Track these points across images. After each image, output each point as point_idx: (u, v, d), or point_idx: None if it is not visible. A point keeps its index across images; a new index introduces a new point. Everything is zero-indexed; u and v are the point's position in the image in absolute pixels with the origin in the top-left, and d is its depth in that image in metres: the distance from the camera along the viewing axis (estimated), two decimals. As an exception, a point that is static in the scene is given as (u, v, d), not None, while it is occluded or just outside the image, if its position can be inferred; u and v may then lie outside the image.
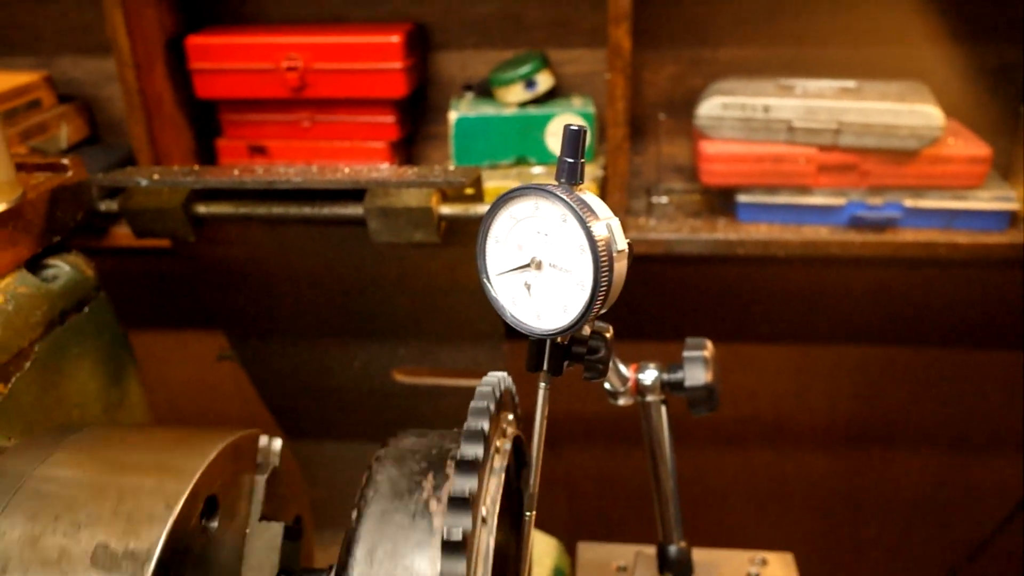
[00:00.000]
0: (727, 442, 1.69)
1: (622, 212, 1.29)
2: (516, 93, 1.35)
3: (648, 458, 0.83)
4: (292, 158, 1.45)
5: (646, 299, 1.53)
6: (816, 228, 1.28)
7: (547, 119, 1.34)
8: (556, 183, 0.52)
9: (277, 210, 0.91)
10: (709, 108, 1.25)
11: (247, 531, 0.66)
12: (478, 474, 0.53)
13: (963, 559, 1.58)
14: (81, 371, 0.86)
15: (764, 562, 0.99)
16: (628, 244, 0.53)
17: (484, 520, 0.54)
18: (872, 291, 1.47)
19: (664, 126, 1.43)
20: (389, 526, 0.56)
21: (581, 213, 0.50)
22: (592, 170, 1.34)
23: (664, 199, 1.36)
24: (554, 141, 1.36)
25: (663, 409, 0.80)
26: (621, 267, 0.52)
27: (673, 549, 0.82)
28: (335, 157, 1.43)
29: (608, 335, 0.56)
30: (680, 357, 0.80)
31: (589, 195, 0.52)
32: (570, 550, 1.08)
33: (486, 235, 0.54)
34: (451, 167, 0.91)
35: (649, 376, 0.78)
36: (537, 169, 1.36)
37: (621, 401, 0.79)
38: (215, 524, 0.60)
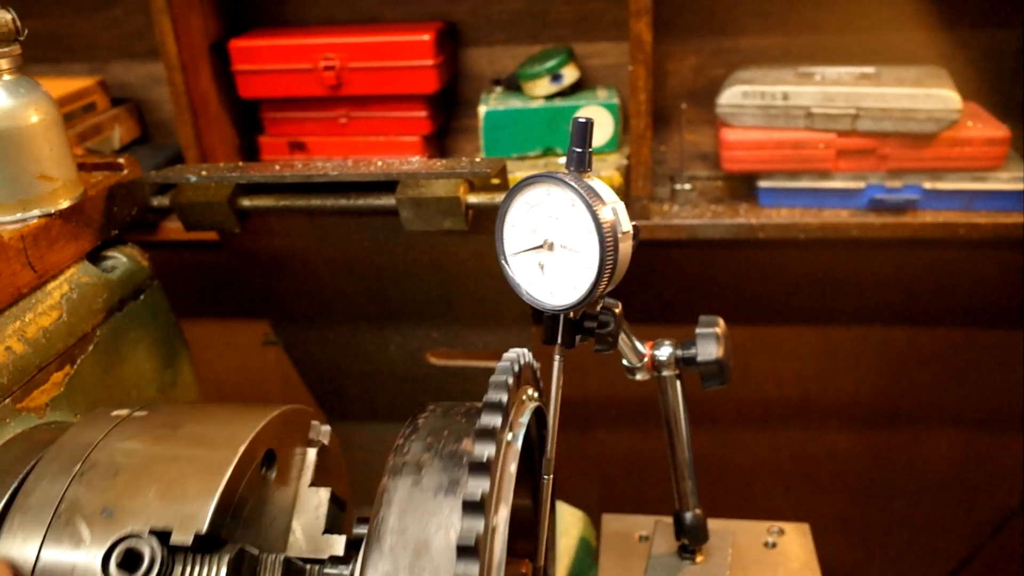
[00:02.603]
0: (754, 423, 1.72)
1: (646, 199, 1.34)
2: (543, 86, 1.40)
3: (665, 431, 0.88)
4: (330, 153, 1.51)
5: (671, 283, 1.57)
6: (836, 212, 1.31)
7: (573, 111, 1.39)
8: (566, 171, 0.57)
9: (316, 202, 0.98)
10: (730, 97, 1.29)
11: (297, 496, 0.72)
12: (496, 440, 0.58)
13: (986, 537, 1.59)
14: (138, 354, 0.93)
15: (781, 532, 1.03)
16: (633, 226, 0.58)
17: (502, 483, 0.59)
18: (894, 273, 1.50)
19: (687, 115, 1.47)
20: (417, 490, 0.62)
21: (588, 198, 0.55)
22: (617, 159, 1.38)
23: (687, 186, 1.40)
24: (579, 132, 1.41)
25: (678, 384, 0.85)
26: (626, 247, 0.56)
27: (689, 516, 0.87)
28: (371, 152, 1.50)
29: (617, 311, 0.61)
30: (684, 338, 0.84)
31: (597, 181, 0.57)
32: (597, 523, 1.13)
33: (503, 220, 0.59)
34: (478, 159, 0.96)
35: (664, 352, 0.83)
36: (563, 160, 1.41)
37: (638, 376, 0.84)
38: (273, 474, 0.67)
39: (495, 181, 0.97)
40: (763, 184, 1.33)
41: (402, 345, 1.21)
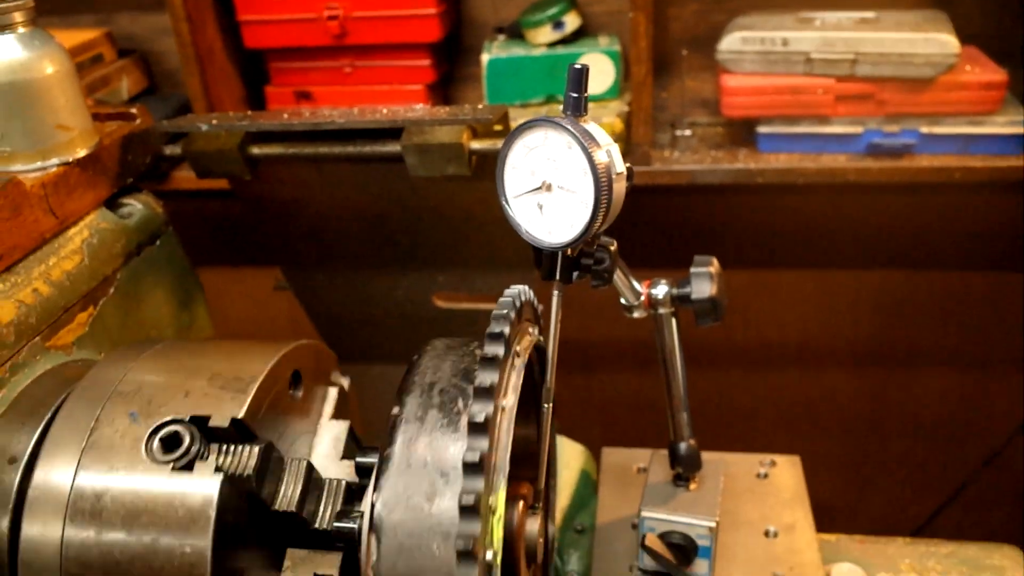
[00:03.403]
0: (754, 364, 1.76)
1: (646, 145, 1.36)
2: (545, 34, 1.41)
3: (661, 366, 0.91)
4: (336, 102, 1.53)
5: (672, 229, 1.60)
6: (835, 156, 1.33)
7: (574, 58, 1.40)
8: (563, 115, 0.60)
9: (323, 150, 1.00)
10: (730, 43, 1.30)
11: (319, 426, 0.77)
12: (499, 370, 0.61)
13: (973, 474, 1.64)
14: (156, 297, 0.97)
15: (773, 463, 1.07)
16: (627, 168, 0.61)
17: (504, 408, 0.63)
18: (891, 217, 1.52)
19: (689, 61, 1.48)
20: (427, 415, 0.66)
21: (584, 141, 0.58)
22: (618, 105, 1.40)
23: (688, 132, 1.42)
24: (581, 79, 1.42)
25: (673, 321, 0.88)
26: (620, 187, 0.59)
27: (683, 446, 0.91)
28: (375, 100, 1.51)
29: (612, 248, 0.64)
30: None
31: (592, 125, 0.60)
32: (598, 458, 1.18)
33: (504, 163, 0.62)
34: (481, 106, 0.98)
35: (660, 291, 0.86)
36: (565, 106, 1.42)
37: (635, 314, 0.88)
38: (299, 393, 0.71)
39: (497, 127, 1.00)
40: (762, 130, 1.35)
41: (409, 289, 1.25)
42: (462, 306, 1.23)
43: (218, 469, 0.62)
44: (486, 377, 0.59)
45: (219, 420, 0.63)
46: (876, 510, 1.89)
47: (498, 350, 0.61)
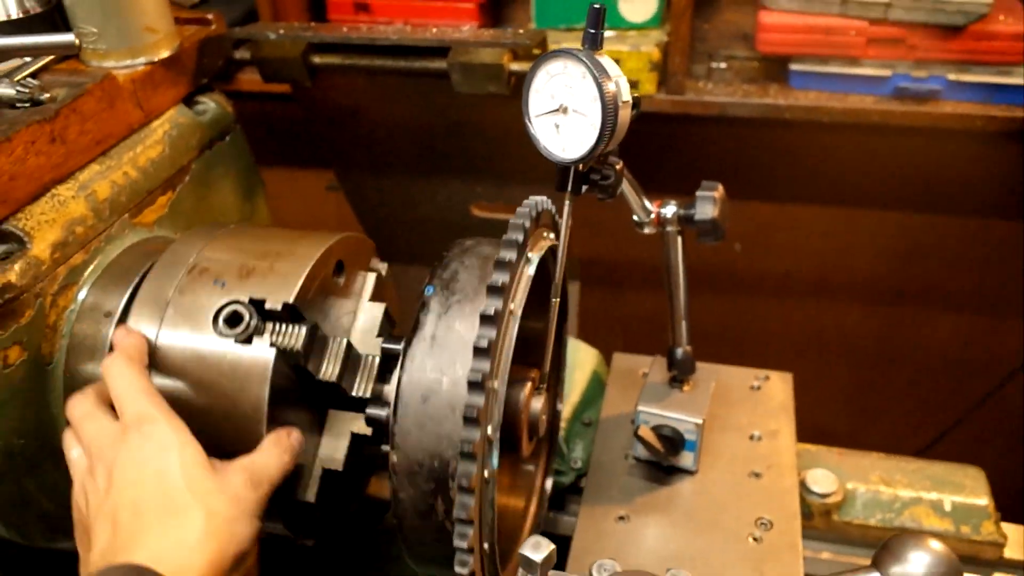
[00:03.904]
0: (772, 293, 1.85)
1: (681, 75, 1.43)
2: (594, -40, 1.47)
3: (665, 277, 1.01)
4: (391, 15, 1.62)
5: (701, 158, 1.67)
6: (862, 97, 1.39)
7: (621, -15, 1.46)
8: (581, 48, 0.69)
9: (377, 62, 1.10)
10: (769, -21, 1.35)
11: (359, 307, 0.89)
12: (510, 271, 0.72)
13: (974, 406, 1.73)
14: (224, 187, 1.10)
15: (767, 378, 1.18)
16: (634, 97, 0.70)
17: (512, 310, 0.74)
18: (913, 161, 1.57)
19: (733, -5, 1.53)
20: (448, 305, 0.77)
21: (596, 72, 0.67)
22: (658, 35, 1.46)
23: (723, 64, 1.48)
24: (627, 8, 1.48)
25: (679, 239, 0.98)
26: (625, 114, 0.69)
27: (679, 351, 1.02)
28: (429, 15, 1.60)
29: (618, 167, 0.74)
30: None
31: (605, 59, 0.69)
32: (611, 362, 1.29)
33: (529, 86, 0.72)
34: (522, 31, 1.07)
35: (669, 211, 0.96)
36: (608, 33, 1.49)
37: (646, 230, 0.97)
38: (342, 280, 0.83)
39: (536, 51, 1.08)
40: (795, 67, 1.41)
41: (449, 197, 1.36)
42: (498, 216, 1.34)
43: (272, 344, 0.74)
44: (498, 277, 0.70)
45: (273, 303, 0.75)
46: (880, 437, 1.99)
47: (511, 255, 0.72)
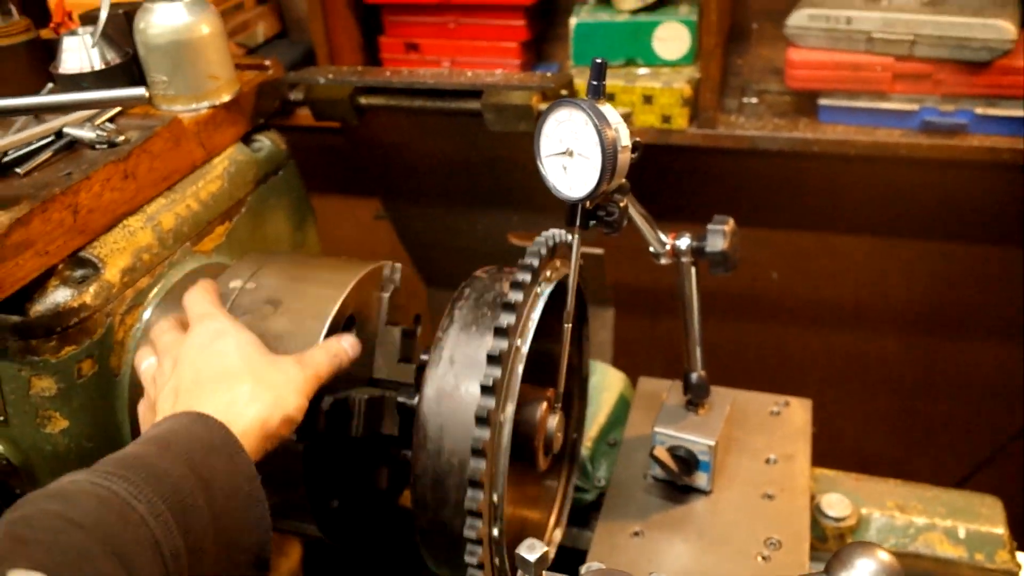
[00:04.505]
0: (810, 322, 1.88)
1: (712, 110, 1.48)
2: (630, 1, 1.54)
3: (680, 307, 1.07)
4: (439, 54, 1.72)
5: (732, 189, 1.72)
6: (890, 131, 1.43)
7: (655, 25, 1.53)
8: (585, 98, 0.76)
9: (418, 103, 1.19)
10: (797, 19, 1.40)
11: (378, 333, 0.97)
12: (524, 292, 0.80)
13: (1013, 437, 1.72)
14: (277, 218, 1.20)
15: (787, 404, 1.21)
16: (634, 141, 0.77)
17: (519, 344, 0.81)
18: (946, 192, 1.59)
19: (765, 31, 1.58)
20: (468, 327, 0.85)
21: (597, 120, 0.74)
22: (691, 72, 1.53)
23: (754, 99, 1.53)
24: (660, 46, 1.55)
25: (692, 269, 1.03)
26: (624, 157, 0.75)
27: (694, 376, 1.07)
28: (475, 54, 1.69)
29: (622, 204, 0.81)
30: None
31: (607, 107, 0.76)
32: (638, 385, 1.35)
33: (540, 131, 0.79)
34: (549, 74, 1.14)
35: (683, 243, 1.01)
36: (643, 70, 1.56)
37: (662, 261, 1.04)
38: (353, 332, 0.91)
39: (563, 92, 1.16)
40: (823, 102, 1.45)
41: (488, 226, 1.44)
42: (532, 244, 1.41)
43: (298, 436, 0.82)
44: (504, 319, 0.77)
45: None
46: (924, 466, 1.98)
47: (526, 279, 0.79)
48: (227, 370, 0.76)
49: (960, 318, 1.75)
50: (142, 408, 0.81)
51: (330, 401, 0.85)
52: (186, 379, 0.75)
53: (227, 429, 0.69)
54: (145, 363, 0.82)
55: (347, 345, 0.85)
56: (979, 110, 1.37)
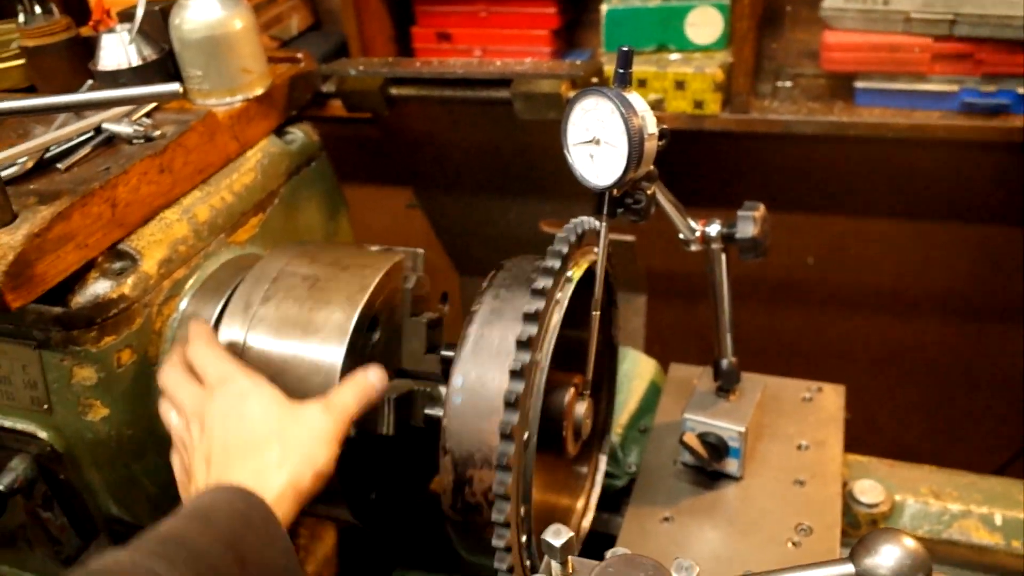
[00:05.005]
0: (848, 307, 1.85)
1: (745, 94, 1.47)
2: (661, -14, 1.53)
3: (711, 293, 1.07)
4: (471, 43, 1.72)
5: (768, 173, 1.70)
6: (928, 113, 1.40)
7: (686, 11, 1.52)
8: (611, 87, 0.76)
9: (447, 93, 1.20)
10: (833, 0, 1.38)
11: (403, 325, 0.98)
12: (554, 279, 0.80)
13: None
14: (309, 209, 1.21)
15: (820, 390, 1.20)
16: (661, 129, 0.77)
17: (555, 312, 0.81)
18: (987, 175, 1.56)
19: (801, 14, 1.55)
20: (497, 314, 0.85)
21: (623, 108, 0.74)
22: (723, 56, 1.51)
23: (788, 83, 1.51)
24: (692, 31, 1.54)
25: (723, 256, 1.03)
26: (651, 145, 0.76)
27: (724, 363, 1.07)
28: (506, 43, 1.69)
29: (650, 192, 0.81)
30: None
31: (633, 95, 0.76)
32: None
33: (567, 120, 0.80)
34: (579, 62, 1.14)
35: (713, 229, 1.01)
36: (675, 56, 1.55)
37: (692, 248, 1.03)
38: (376, 335, 0.92)
39: (594, 80, 1.16)
40: (860, 84, 1.43)
41: (520, 214, 1.45)
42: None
43: None
44: (540, 282, 0.78)
45: None
46: (962, 454, 1.95)
47: (555, 265, 0.80)
48: (254, 436, 0.76)
49: (1001, 305, 1.71)
50: (176, 464, 0.82)
51: None
52: (215, 447, 0.76)
53: (265, 504, 0.70)
54: (172, 416, 0.83)
55: (374, 379, 0.84)
56: (1021, 90, 1.33)
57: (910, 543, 0.54)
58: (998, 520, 1.07)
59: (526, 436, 0.78)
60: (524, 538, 0.80)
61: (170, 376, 0.83)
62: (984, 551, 1.06)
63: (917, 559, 0.53)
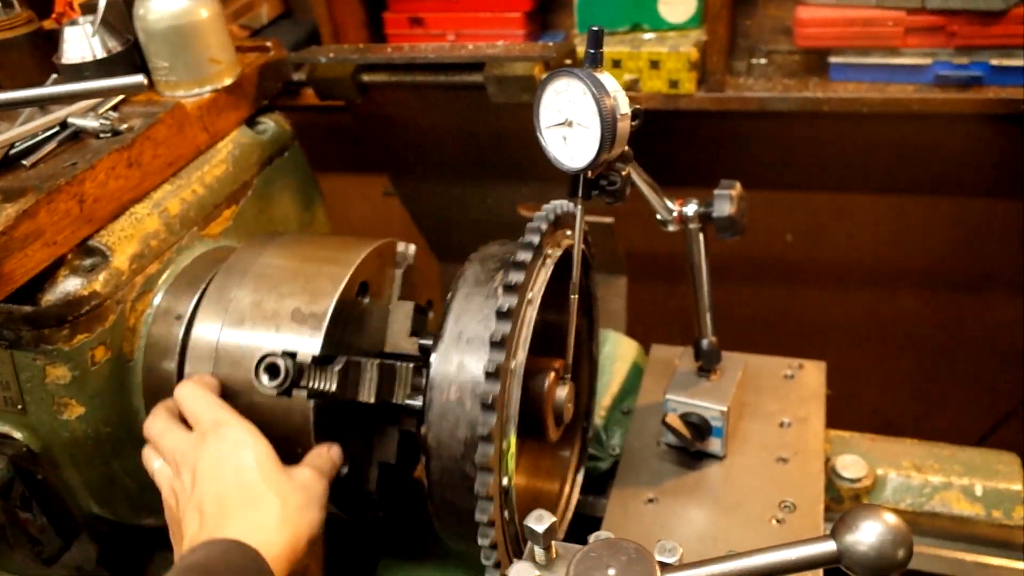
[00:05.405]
0: (829, 283, 1.86)
1: (720, 72, 1.46)
2: (634, -35, 1.52)
3: (689, 272, 1.06)
4: (444, 27, 1.70)
5: (743, 151, 1.70)
6: (902, 87, 1.40)
7: (659, -11, 1.51)
8: (582, 67, 0.75)
9: (420, 78, 1.19)
10: (804, -25, 1.38)
11: (390, 308, 0.98)
12: (527, 270, 0.79)
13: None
14: (283, 199, 1.20)
15: (800, 367, 1.21)
16: (634, 109, 0.76)
17: (530, 300, 0.81)
18: (961, 147, 1.56)
19: (774, -10, 1.55)
20: (470, 302, 0.84)
21: (595, 89, 0.73)
22: (698, 35, 1.50)
23: (763, 60, 1.51)
24: (666, 9, 1.53)
25: (700, 235, 1.02)
26: (624, 125, 0.75)
27: (705, 343, 1.07)
28: (479, 25, 1.67)
29: (624, 173, 0.80)
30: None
31: (605, 75, 0.75)
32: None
33: (539, 102, 0.79)
34: (551, 43, 1.13)
35: (690, 209, 1.01)
36: (649, 35, 1.54)
37: (670, 228, 1.03)
38: (367, 300, 0.92)
39: (567, 62, 1.15)
40: (834, 60, 1.43)
41: (498, 199, 1.44)
42: (541, 216, 1.41)
43: (308, 393, 0.82)
44: (513, 276, 0.77)
45: (304, 356, 0.83)
46: (945, 426, 1.97)
47: (527, 256, 0.79)
48: (250, 490, 0.73)
49: (978, 276, 1.73)
50: (168, 516, 0.80)
51: (343, 362, 0.84)
52: (209, 498, 0.73)
53: (262, 559, 0.68)
54: (156, 464, 0.80)
55: (334, 455, 0.83)
56: (995, 61, 1.34)
57: (891, 519, 0.54)
58: (979, 491, 1.08)
59: (508, 404, 0.77)
60: (507, 514, 0.80)
61: (156, 423, 0.81)
62: (965, 522, 1.07)
63: (898, 535, 0.53)
